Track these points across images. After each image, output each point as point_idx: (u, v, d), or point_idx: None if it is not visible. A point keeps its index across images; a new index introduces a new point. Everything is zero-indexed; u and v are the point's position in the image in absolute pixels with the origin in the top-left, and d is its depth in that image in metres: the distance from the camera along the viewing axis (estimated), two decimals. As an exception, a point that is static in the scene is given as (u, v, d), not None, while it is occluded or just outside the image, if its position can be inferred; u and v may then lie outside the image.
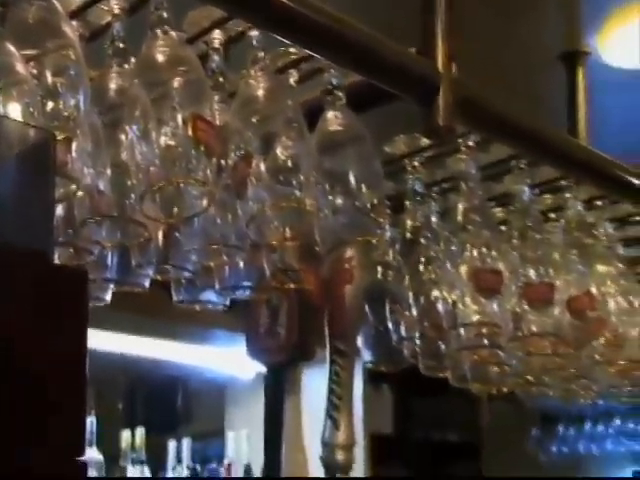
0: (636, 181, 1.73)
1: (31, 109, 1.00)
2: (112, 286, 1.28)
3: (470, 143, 1.58)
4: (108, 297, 1.28)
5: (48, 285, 0.80)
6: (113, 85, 1.16)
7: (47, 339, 0.79)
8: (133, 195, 1.13)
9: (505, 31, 2.17)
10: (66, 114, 1.04)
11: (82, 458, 0.79)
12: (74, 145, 1.04)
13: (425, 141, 1.56)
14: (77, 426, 0.81)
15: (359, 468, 1.67)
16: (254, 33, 1.25)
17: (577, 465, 4.76)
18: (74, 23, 1.16)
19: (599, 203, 1.79)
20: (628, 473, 4.69)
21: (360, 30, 1.22)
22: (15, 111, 0.97)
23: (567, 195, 1.75)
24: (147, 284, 1.27)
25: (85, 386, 0.81)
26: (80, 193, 1.07)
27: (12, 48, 1.00)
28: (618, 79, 2.52)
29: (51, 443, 0.77)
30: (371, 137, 1.33)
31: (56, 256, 1.14)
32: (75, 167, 1.04)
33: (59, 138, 1.01)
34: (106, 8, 1.20)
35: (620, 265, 1.82)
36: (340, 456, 1.59)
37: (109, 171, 1.12)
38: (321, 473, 1.67)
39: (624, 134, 2.20)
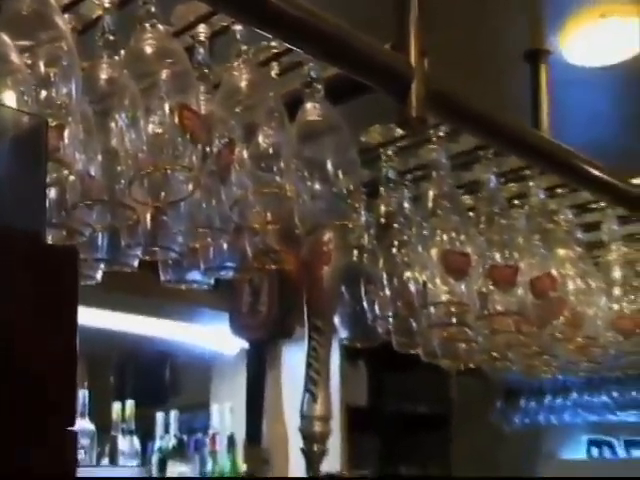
0: (594, 171, 1.73)
1: (25, 97, 0.99)
2: (102, 266, 1.27)
3: (441, 134, 1.58)
4: (99, 276, 1.28)
5: (40, 263, 0.79)
6: (104, 75, 1.15)
7: (39, 314, 0.78)
8: (122, 180, 1.12)
9: (474, 30, 2.17)
10: (59, 102, 1.03)
11: (73, 428, 0.78)
12: (66, 132, 1.03)
13: (398, 131, 1.56)
14: (68, 398, 0.80)
15: (335, 438, 1.67)
16: (237, 28, 1.24)
17: (537, 435, 4.79)
18: (66, 16, 1.15)
19: (560, 191, 1.80)
20: (584, 442, 4.72)
21: (338, 26, 1.21)
22: (10, 99, 0.96)
23: (530, 183, 1.75)
24: (136, 264, 1.27)
25: (75, 359, 0.80)
26: (72, 178, 1.06)
27: (7, 39, 0.99)
28: (579, 76, 2.52)
29: (42, 414, 0.76)
30: (348, 127, 1.33)
31: (49, 237, 1.14)
32: (67, 153, 1.03)
33: (52, 125, 1.01)
34: (97, 2, 1.19)
35: (579, 249, 1.83)
36: (318, 427, 1.59)
37: (100, 157, 1.12)
38: (300, 443, 1.67)
39: (584, 127, 2.20)
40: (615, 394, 4.48)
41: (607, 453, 4.66)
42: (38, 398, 0.76)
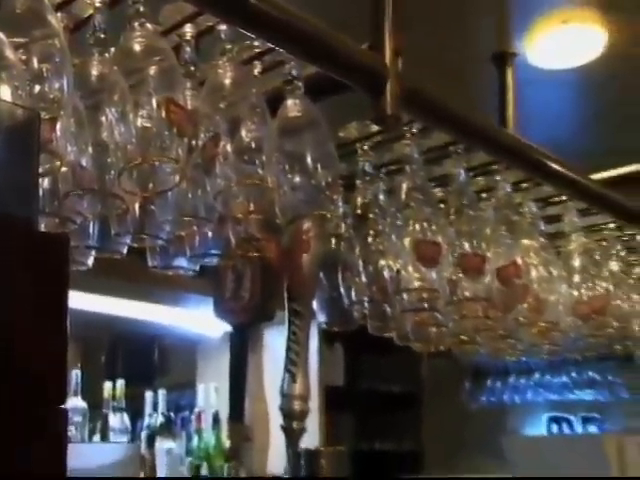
0: (556, 167, 1.73)
1: (20, 92, 0.97)
2: (93, 252, 1.26)
3: (414, 130, 1.57)
4: (90, 262, 1.26)
5: (32, 250, 0.79)
6: (94, 71, 1.14)
7: (31, 298, 0.77)
8: (112, 171, 1.11)
9: (445, 32, 2.17)
10: (51, 97, 1.02)
11: (64, 406, 0.78)
12: (58, 125, 1.02)
13: (374, 127, 1.55)
14: (58, 377, 0.80)
15: (314, 416, 1.67)
16: (222, 27, 1.23)
17: (502, 413, 4.82)
18: (59, 15, 1.14)
19: (524, 185, 1.80)
20: (544, 419, 4.75)
21: (317, 27, 1.21)
22: (4, 93, 0.95)
23: (497, 178, 1.76)
24: (125, 251, 1.26)
25: (66, 340, 0.79)
26: (64, 168, 1.06)
27: (2, 36, 0.97)
28: (543, 78, 2.53)
29: (34, 392, 0.75)
30: (326, 123, 1.32)
31: (43, 225, 1.13)
32: (59, 145, 1.02)
33: (46, 117, 1.00)
34: (88, 1, 1.17)
35: (542, 239, 1.83)
36: (297, 406, 1.59)
37: (90, 149, 1.11)
38: (280, 421, 1.67)
39: (548, 126, 2.21)
40: (574, 374, 4.52)
41: (566, 429, 4.70)
42: (29, 377, 0.75)
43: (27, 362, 0.75)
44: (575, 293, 1.93)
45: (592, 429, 4.59)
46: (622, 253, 2.09)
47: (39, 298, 0.78)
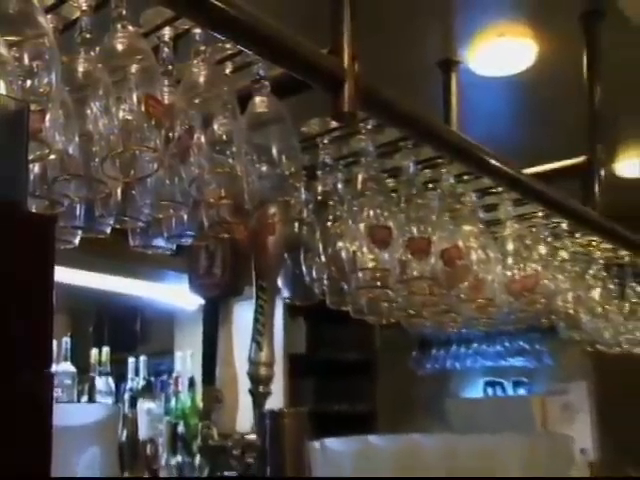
0: (493, 161, 1.74)
1: (13, 86, 0.95)
2: (80, 232, 1.24)
3: (368, 126, 1.57)
4: (76, 241, 1.24)
5: (22, 228, 0.77)
6: (81, 68, 1.12)
7: (20, 270, 0.76)
8: (97, 158, 1.10)
9: (398, 40, 2.16)
10: (41, 90, 1.00)
11: (50, 370, 0.77)
12: (47, 116, 1.00)
13: (333, 123, 1.54)
14: (45, 343, 0.78)
15: (278, 381, 1.66)
16: (197, 31, 1.22)
17: (445, 378, 4.85)
18: (49, 16, 1.12)
19: (466, 177, 1.80)
20: (481, 383, 4.80)
21: (283, 32, 1.20)
22: (-2, 86, 0.93)
23: (442, 170, 1.75)
24: (108, 231, 1.24)
25: (52, 311, 0.78)
26: (53, 156, 1.04)
27: (-4, 35, 0.95)
28: (482, 83, 2.54)
29: (23, 358, 0.74)
30: (290, 119, 1.31)
31: (34, 207, 1.11)
32: (48, 134, 1.00)
33: (36, 109, 0.98)
34: (76, 5, 1.15)
35: (481, 225, 1.84)
36: (263, 371, 1.58)
37: (77, 138, 1.09)
38: (248, 385, 1.66)
39: (486, 125, 2.21)
40: (506, 344, 4.57)
41: (499, 392, 4.75)
42: (18, 344, 0.74)
43: (15, 330, 0.74)
44: (509, 273, 1.94)
45: (521, 391, 4.64)
46: (549, 239, 2.11)
47: (27, 271, 0.77)
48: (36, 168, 1.08)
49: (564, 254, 2.18)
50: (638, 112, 2.70)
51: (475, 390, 4.81)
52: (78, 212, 1.20)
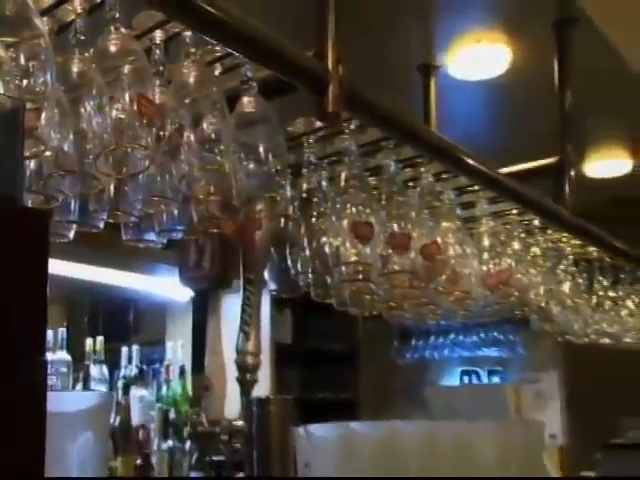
0: (470, 161, 1.74)
1: (10, 85, 0.95)
2: (74, 226, 1.23)
3: (352, 126, 1.56)
4: (71, 235, 1.23)
5: (17, 222, 0.77)
6: (75, 69, 1.11)
7: (16, 261, 0.75)
8: (90, 155, 1.09)
9: (380, 44, 2.16)
10: (37, 90, 0.99)
11: (44, 358, 0.76)
12: (43, 115, 0.99)
13: (318, 123, 1.54)
14: (39, 333, 0.78)
15: (265, 369, 1.66)
16: (187, 33, 1.21)
17: (424, 367, 4.86)
18: (45, 19, 1.11)
19: (444, 176, 1.80)
20: (458, 372, 4.82)
21: (270, 36, 1.19)
22: (-4, 86, 0.92)
23: (422, 169, 1.75)
24: (102, 225, 1.23)
25: (45, 301, 0.77)
26: (48, 153, 1.03)
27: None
28: (460, 87, 2.54)
29: (18, 346, 0.74)
30: (277, 118, 1.31)
31: (29, 202, 1.10)
32: (44, 132, 0.99)
33: (32, 108, 0.97)
34: (71, 8, 1.14)
35: (458, 222, 1.84)
36: (250, 360, 1.57)
37: (71, 136, 1.08)
38: (235, 373, 1.65)
39: (464, 126, 2.22)
40: (482, 335, 4.58)
41: (475, 380, 4.77)
42: (14, 333, 0.73)
43: (11, 320, 0.73)
44: (484, 268, 1.95)
45: (496, 380, 4.66)
46: (522, 235, 2.12)
47: (23, 263, 0.76)
48: (32, 164, 1.07)
49: (536, 250, 2.19)
50: (606, 115, 2.72)
51: (452, 379, 4.82)
52: (73, 207, 1.19)
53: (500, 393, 4.17)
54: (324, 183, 1.63)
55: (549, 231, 2.21)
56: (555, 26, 2.22)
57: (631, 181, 3.47)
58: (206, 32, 1.14)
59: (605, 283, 2.64)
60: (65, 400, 1.26)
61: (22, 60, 0.99)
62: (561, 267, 2.35)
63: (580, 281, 2.45)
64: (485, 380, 4.71)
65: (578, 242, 2.30)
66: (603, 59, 2.31)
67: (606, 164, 3.41)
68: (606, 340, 2.67)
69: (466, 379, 4.79)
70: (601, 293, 2.62)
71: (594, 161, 3.33)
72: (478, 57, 2.41)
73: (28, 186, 1.08)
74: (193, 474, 2.36)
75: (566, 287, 2.35)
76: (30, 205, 1.09)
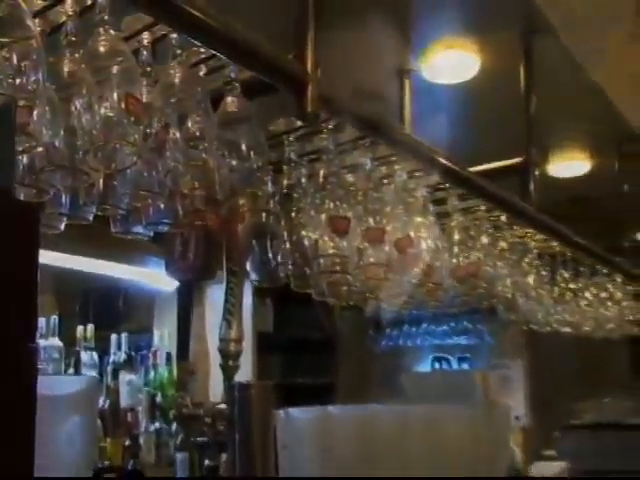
0: (442, 160, 1.74)
1: (4, 83, 0.94)
2: (65, 219, 1.22)
3: (330, 126, 1.56)
4: (62, 226, 1.22)
5: (9, 214, 0.76)
6: (66, 68, 1.10)
7: (6, 251, 0.74)
8: (80, 151, 1.08)
9: (359, 49, 2.15)
10: (29, 88, 0.98)
11: (35, 344, 0.76)
12: (35, 112, 0.98)
13: (298, 123, 1.53)
14: (29, 320, 0.77)
15: (247, 356, 1.66)
16: (174, 36, 1.20)
17: (398, 354, 4.88)
18: (37, 20, 1.10)
19: (417, 174, 1.80)
20: (429, 358, 4.84)
21: (254, 39, 1.19)
22: (-12, 84, 0.91)
23: (396, 167, 1.75)
24: (91, 218, 1.21)
25: (36, 289, 0.77)
26: (40, 148, 1.02)
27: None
28: (433, 89, 2.54)
29: (9, 333, 0.73)
30: (259, 118, 1.30)
31: (22, 195, 1.09)
32: (36, 128, 0.98)
33: (24, 105, 0.97)
34: (62, 10, 1.13)
35: (431, 218, 1.84)
36: (232, 347, 1.56)
37: (62, 132, 1.06)
38: (219, 360, 1.64)
39: (436, 126, 2.22)
40: (452, 324, 4.61)
41: (445, 366, 4.79)
42: (6, 320, 0.72)
43: (3, 308, 0.72)
44: (455, 261, 1.95)
45: (465, 366, 4.69)
46: (490, 230, 2.13)
47: (14, 252, 0.75)
48: (24, 159, 1.06)
49: (503, 244, 2.20)
50: (568, 120, 2.74)
51: (424, 365, 4.85)
52: (63, 200, 1.17)
53: (469, 378, 4.19)
54: (303, 180, 1.63)
55: (515, 227, 2.22)
56: (522, 36, 2.24)
57: (589, 181, 3.50)
58: (192, 35, 1.13)
59: (566, 276, 2.66)
60: (55, 384, 1.25)
61: (15, 60, 0.98)
62: (526, 260, 2.36)
63: (543, 274, 2.47)
64: (455, 366, 4.74)
65: (542, 237, 2.32)
66: (565, 68, 2.33)
67: (567, 165, 3.44)
68: (567, 329, 2.69)
69: (437, 365, 4.81)
70: (563, 285, 2.65)
71: (556, 162, 3.35)
72: (450, 62, 2.42)
73: (21, 180, 1.06)
74: (178, 455, 2.35)
75: (531, 279, 2.37)
76: (22, 198, 1.08)
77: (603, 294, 2.95)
